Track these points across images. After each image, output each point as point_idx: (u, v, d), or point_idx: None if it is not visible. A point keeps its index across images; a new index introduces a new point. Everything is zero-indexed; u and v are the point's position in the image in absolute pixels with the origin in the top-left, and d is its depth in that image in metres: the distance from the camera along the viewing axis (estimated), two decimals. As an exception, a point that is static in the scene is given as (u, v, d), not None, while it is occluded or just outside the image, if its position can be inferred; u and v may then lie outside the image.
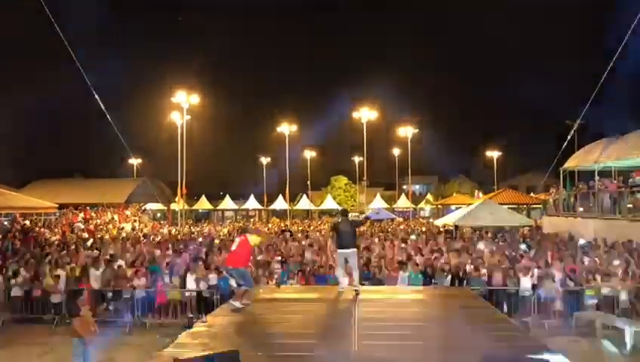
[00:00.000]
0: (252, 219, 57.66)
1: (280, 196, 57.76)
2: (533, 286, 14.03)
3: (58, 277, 15.31)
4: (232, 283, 10.36)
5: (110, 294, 14.97)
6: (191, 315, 12.06)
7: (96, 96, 11.98)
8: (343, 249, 10.76)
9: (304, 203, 59.94)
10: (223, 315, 9.40)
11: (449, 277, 14.75)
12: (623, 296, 13.26)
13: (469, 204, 32.15)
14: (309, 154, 63.70)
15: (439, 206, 52.74)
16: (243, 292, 9.67)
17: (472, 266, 15.21)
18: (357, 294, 10.56)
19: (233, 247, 9.85)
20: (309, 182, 63.86)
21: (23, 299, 14.96)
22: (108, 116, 12.72)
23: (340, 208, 16.10)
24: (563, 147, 17.81)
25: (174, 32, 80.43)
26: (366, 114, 47.04)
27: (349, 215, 12.51)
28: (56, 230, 28.32)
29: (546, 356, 6.29)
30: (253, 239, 10.09)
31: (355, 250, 11.09)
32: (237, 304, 9.50)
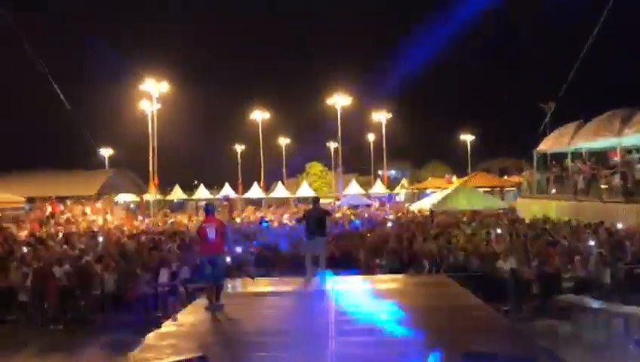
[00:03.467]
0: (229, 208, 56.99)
1: (255, 184, 57.22)
2: (512, 271, 13.94)
3: (25, 274, 14.73)
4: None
5: (78, 291, 14.47)
6: (159, 314, 11.63)
7: (55, 86, 11.39)
8: (312, 237, 10.70)
9: (280, 191, 59.48)
10: (194, 313, 9.07)
11: (426, 263, 14.59)
12: (606, 279, 13.25)
13: (444, 188, 32.15)
14: (284, 141, 63.17)
15: (414, 190, 52.83)
16: (217, 290, 9.23)
17: (449, 251, 15.10)
18: (320, 279, 10.73)
19: (211, 235, 9.31)
20: (284, 170, 63.43)
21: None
22: (67, 104, 12.14)
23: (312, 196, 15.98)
24: (540, 130, 17.80)
25: (143, 19, 78.48)
26: (340, 100, 46.61)
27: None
28: (23, 225, 27.46)
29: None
30: (223, 217, 9.81)
31: (325, 238, 11.10)
32: (210, 302, 9.11)
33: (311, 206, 11.43)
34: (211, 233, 9.24)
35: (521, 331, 7.55)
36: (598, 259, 13.83)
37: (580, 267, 13.80)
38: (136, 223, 32.81)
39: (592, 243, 15.19)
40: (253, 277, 12.47)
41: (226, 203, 27.49)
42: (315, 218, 10.98)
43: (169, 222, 32.96)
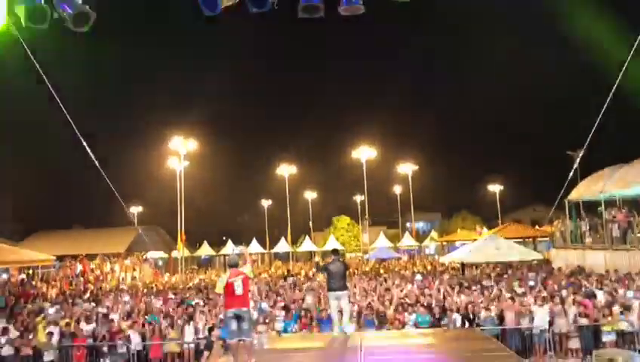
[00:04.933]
0: (255, 263, 56.87)
1: (282, 238, 57.09)
2: (548, 324, 13.39)
3: (51, 334, 14.68)
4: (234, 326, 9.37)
5: (106, 349, 14.35)
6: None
7: (85, 145, 11.65)
8: (333, 290, 10.51)
9: (307, 244, 59.19)
10: (219, 370, 8.83)
11: (459, 317, 14.12)
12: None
13: (474, 240, 31.55)
14: (310, 195, 63.32)
15: (444, 243, 51.99)
16: (246, 348, 8.96)
17: (483, 305, 14.60)
18: (346, 335, 10.52)
19: (238, 290, 9.10)
20: (310, 223, 63.25)
21: (13, 358, 14.26)
22: (97, 164, 12.36)
23: (333, 249, 15.59)
24: (569, 177, 17.45)
25: (170, 76, 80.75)
26: (365, 152, 46.76)
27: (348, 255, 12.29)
28: (54, 283, 27.69)
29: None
30: (249, 271, 9.58)
31: (347, 291, 10.98)
32: (235, 359, 8.85)
33: (331, 258, 11.25)
34: (238, 287, 9.04)
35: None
36: (640, 311, 13.23)
37: (620, 319, 13.18)
38: (163, 280, 32.84)
39: (631, 293, 14.56)
40: (279, 333, 12.22)
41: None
42: (336, 271, 10.80)
43: (196, 278, 32.92)
